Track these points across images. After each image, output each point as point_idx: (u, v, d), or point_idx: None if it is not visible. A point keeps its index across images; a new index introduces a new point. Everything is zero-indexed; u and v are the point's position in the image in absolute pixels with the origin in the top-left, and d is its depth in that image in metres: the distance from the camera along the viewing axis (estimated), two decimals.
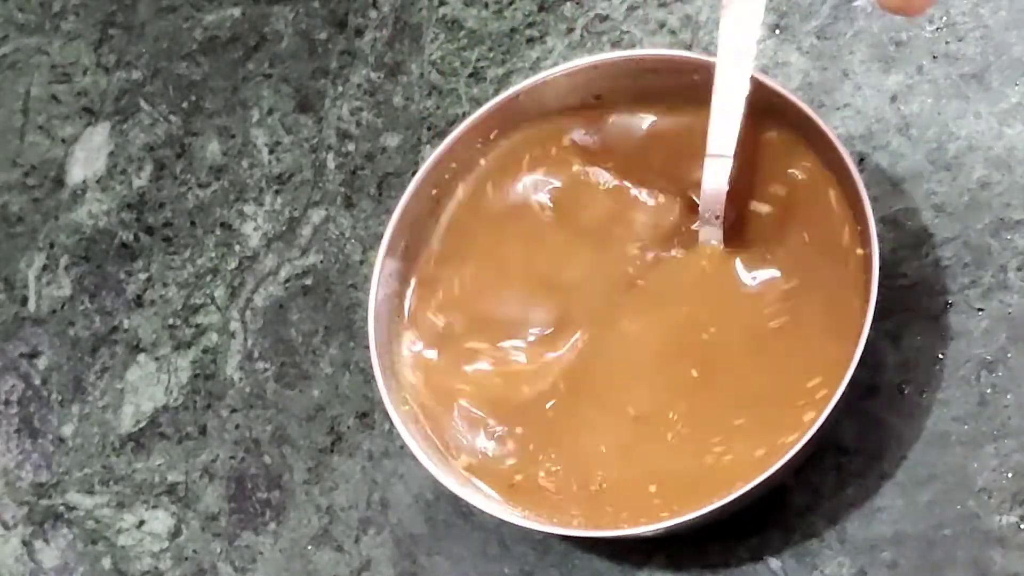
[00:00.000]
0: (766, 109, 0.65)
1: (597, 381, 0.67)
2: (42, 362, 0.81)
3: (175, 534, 0.75)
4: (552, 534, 0.67)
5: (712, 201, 0.66)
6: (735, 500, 0.60)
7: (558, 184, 0.70)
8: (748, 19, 0.64)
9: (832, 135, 0.63)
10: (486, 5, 0.80)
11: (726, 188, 0.65)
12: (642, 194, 0.69)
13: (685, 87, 0.67)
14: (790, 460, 0.59)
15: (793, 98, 0.64)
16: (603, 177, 0.70)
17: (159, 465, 0.77)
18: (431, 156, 0.69)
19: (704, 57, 0.66)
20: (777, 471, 0.59)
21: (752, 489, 0.59)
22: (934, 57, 0.70)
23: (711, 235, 0.67)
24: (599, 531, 0.63)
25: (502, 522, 0.65)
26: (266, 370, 0.77)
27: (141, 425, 0.78)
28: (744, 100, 0.65)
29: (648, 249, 0.69)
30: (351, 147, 0.80)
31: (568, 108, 0.70)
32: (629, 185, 0.70)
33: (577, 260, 0.69)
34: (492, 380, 0.68)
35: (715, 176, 0.65)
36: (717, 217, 0.66)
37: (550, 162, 0.71)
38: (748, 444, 0.63)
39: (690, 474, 0.63)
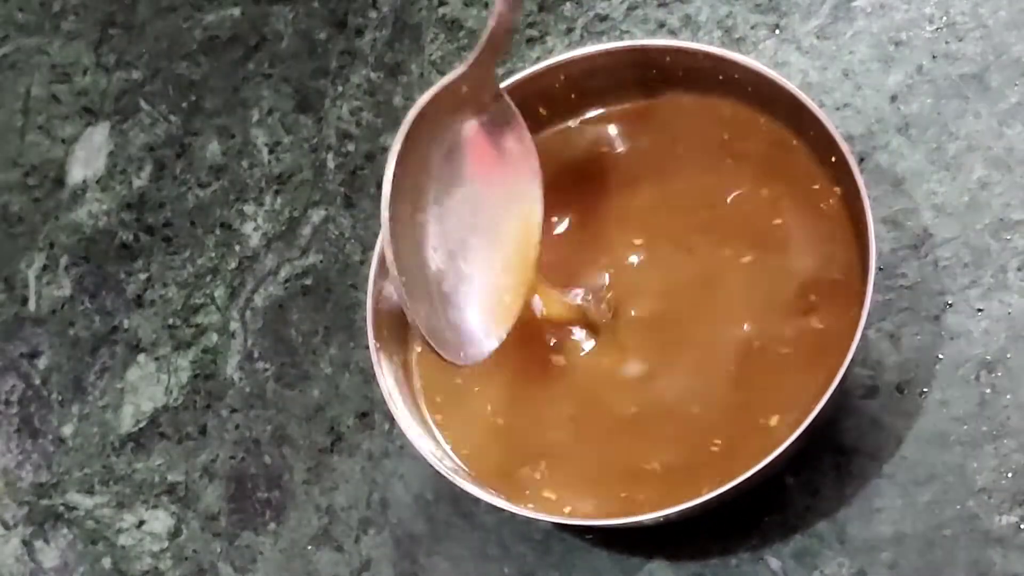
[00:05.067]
0: (764, 102, 0.65)
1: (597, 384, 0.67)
2: (42, 362, 0.81)
3: (175, 534, 0.75)
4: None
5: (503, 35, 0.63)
6: (729, 491, 0.60)
7: (558, 183, 0.70)
8: None
9: (835, 133, 0.63)
10: (486, 5, 0.80)
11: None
12: None
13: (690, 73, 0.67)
14: (782, 452, 0.59)
15: (797, 92, 0.64)
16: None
17: (159, 465, 0.77)
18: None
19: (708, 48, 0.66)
20: (768, 464, 0.59)
21: (745, 480, 0.59)
22: (934, 57, 0.70)
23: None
24: (600, 519, 0.63)
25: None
26: (266, 370, 0.77)
27: (141, 425, 0.78)
28: None
29: None
30: (351, 147, 0.80)
31: (562, 103, 0.70)
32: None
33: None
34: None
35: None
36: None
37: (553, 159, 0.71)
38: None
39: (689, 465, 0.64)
